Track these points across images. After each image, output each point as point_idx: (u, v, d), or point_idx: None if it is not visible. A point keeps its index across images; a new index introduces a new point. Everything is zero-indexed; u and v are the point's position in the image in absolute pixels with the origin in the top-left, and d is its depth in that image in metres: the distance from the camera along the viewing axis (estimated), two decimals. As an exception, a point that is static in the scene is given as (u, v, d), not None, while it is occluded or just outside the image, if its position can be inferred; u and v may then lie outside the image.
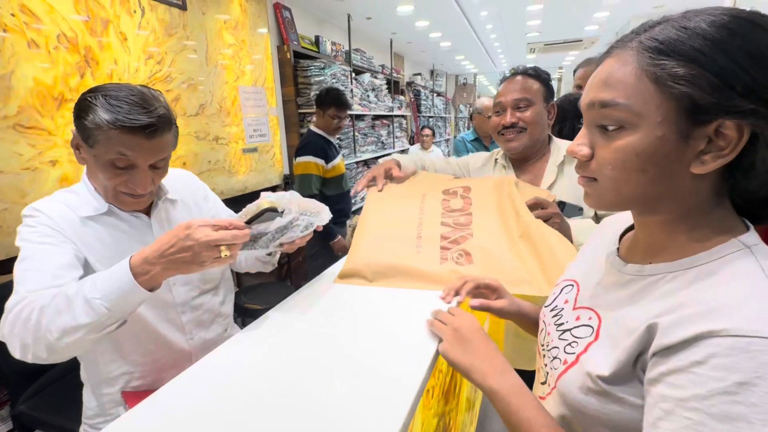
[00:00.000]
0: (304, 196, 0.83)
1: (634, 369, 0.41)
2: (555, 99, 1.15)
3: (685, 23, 0.38)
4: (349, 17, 3.83)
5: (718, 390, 0.33)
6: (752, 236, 0.41)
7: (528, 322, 0.72)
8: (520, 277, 0.75)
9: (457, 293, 0.74)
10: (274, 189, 3.18)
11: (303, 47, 3.27)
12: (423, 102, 6.75)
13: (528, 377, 0.57)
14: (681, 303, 0.38)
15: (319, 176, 2.32)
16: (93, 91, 0.73)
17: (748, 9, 0.38)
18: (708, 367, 0.34)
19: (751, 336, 0.32)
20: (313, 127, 2.45)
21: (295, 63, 3.14)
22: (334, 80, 3.38)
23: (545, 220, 0.89)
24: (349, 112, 3.72)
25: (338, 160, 2.45)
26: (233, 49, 2.59)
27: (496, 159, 1.19)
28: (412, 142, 5.92)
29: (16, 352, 0.66)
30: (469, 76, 9.65)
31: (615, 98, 0.41)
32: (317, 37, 3.59)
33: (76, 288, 0.63)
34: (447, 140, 8.71)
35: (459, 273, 0.80)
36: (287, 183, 3.21)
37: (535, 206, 0.91)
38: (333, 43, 3.77)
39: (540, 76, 1.09)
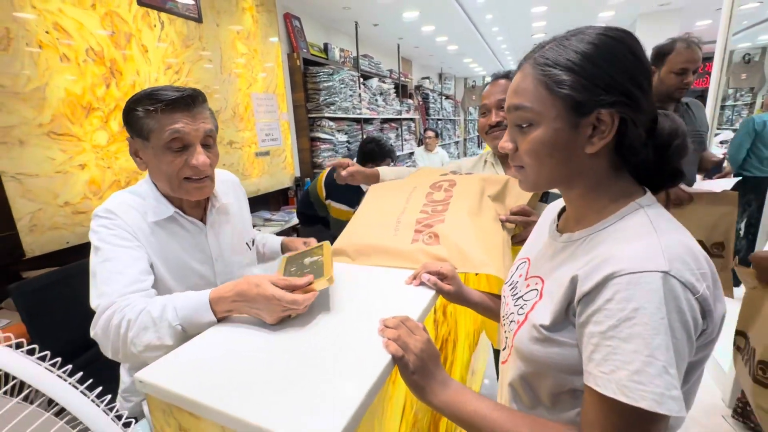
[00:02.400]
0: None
1: (567, 316, 0.50)
2: None
3: (564, 42, 0.50)
4: (356, 24, 3.94)
5: (622, 318, 0.42)
6: (647, 198, 0.52)
7: (478, 308, 0.81)
8: (480, 261, 0.82)
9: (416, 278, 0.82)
10: (285, 191, 3.30)
11: (312, 54, 3.40)
12: (431, 105, 6.83)
13: None
14: (593, 256, 0.48)
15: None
16: (130, 99, 0.85)
17: (614, 27, 0.49)
18: (615, 302, 0.43)
19: (640, 271, 0.42)
20: None
21: (304, 70, 3.26)
22: (342, 85, 3.49)
23: (528, 226, 0.97)
24: (357, 116, 3.85)
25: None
26: (246, 58, 2.72)
27: (485, 159, 1.27)
28: (420, 144, 6.00)
29: (107, 353, 0.78)
30: (478, 78, 9.69)
31: (522, 102, 0.52)
32: (326, 45, 3.71)
33: (159, 311, 0.73)
34: (456, 143, 8.76)
35: (426, 251, 0.88)
36: (298, 185, 3.32)
37: (519, 213, 0.99)
38: (341, 50, 3.89)
39: None
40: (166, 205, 0.90)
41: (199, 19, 2.31)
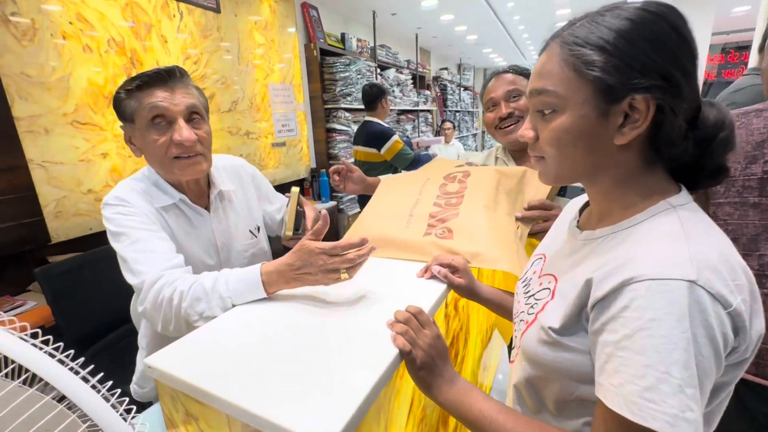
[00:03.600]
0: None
1: (579, 320, 0.46)
2: None
3: (598, 18, 0.45)
4: (374, 14, 3.90)
5: (637, 327, 0.38)
6: (681, 197, 0.47)
7: (489, 304, 0.78)
8: (494, 256, 0.80)
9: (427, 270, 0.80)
10: (301, 182, 3.33)
11: (329, 44, 3.38)
12: (449, 96, 6.72)
13: None
14: (611, 258, 0.44)
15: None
16: (118, 88, 0.85)
17: (656, 2, 0.44)
18: (631, 309, 0.39)
19: (662, 278, 0.38)
20: (372, 119, 2.69)
21: (321, 60, 3.25)
22: (359, 76, 3.46)
23: (546, 221, 0.94)
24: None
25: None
26: (263, 48, 2.73)
27: (496, 156, 1.23)
28: (437, 135, 5.93)
29: (158, 327, 0.78)
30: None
31: (545, 86, 0.47)
32: (343, 35, 3.68)
33: (211, 283, 0.74)
34: (474, 135, 8.62)
35: (439, 245, 0.86)
36: (314, 177, 3.34)
37: (538, 207, 0.95)
38: (359, 40, 3.85)
39: (524, 72, 1.13)
40: (170, 192, 0.90)
41: (217, 10, 2.32)
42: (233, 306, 0.74)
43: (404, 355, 0.56)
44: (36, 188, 1.54)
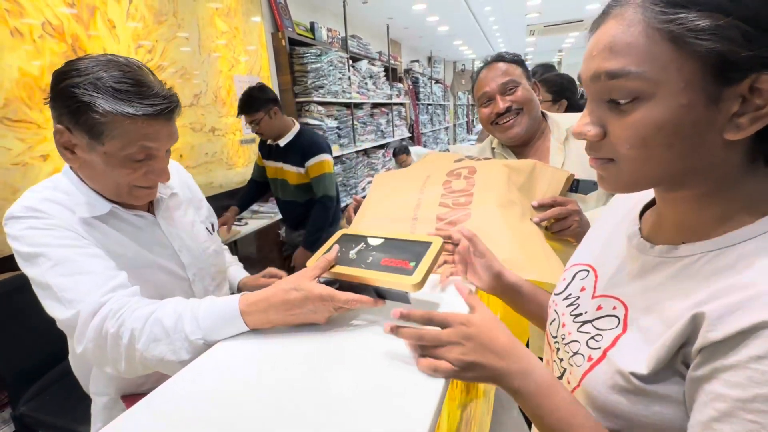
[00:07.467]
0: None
1: (673, 363, 0.35)
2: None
3: None
4: (344, 2, 3.72)
5: None
6: None
7: (514, 294, 0.67)
8: (520, 264, 0.70)
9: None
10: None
11: (298, 34, 3.19)
12: (422, 89, 6.64)
13: None
14: (728, 287, 0.33)
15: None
16: (75, 75, 0.62)
17: None
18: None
19: None
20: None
21: (290, 50, 3.06)
22: (331, 67, 3.30)
23: (564, 218, 0.85)
24: (347, 101, 3.66)
25: (273, 164, 2.16)
26: (226, 37, 2.51)
27: (493, 148, 1.12)
28: (411, 130, 5.82)
29: (105, 368, 0.65)
30: (467, 62, 9.50)
31: (625, 66, 0.34)
32: (312, 24, 3.49)
33: (174, 320, 0.61)
34: (446, 128, 8.61)
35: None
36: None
37: (552, 205, 0.86)
38: (329, 30, 3.67)
39: (515, 59, 1.04)
40: (100, 202, 0.72)
41: (172, -8, 2.09)
42: (206, 345, 0.60)
43: (444, 378, 0.46)
44: (-42, 198, 1.31)
